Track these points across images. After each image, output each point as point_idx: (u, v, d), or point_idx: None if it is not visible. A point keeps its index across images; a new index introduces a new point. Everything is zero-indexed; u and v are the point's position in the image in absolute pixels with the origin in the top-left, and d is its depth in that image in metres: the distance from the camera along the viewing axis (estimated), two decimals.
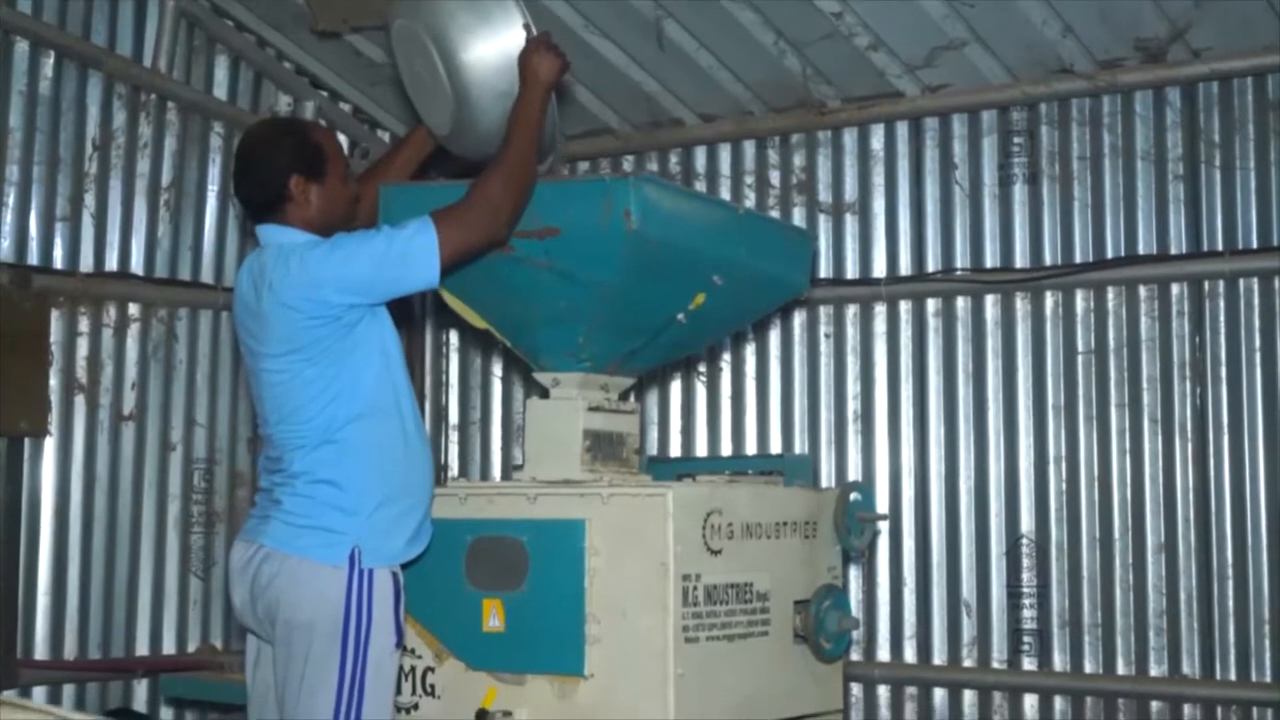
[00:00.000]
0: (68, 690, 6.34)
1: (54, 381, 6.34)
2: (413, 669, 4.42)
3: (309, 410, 4.04)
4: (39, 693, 6.21)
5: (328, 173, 4.16)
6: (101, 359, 6.49)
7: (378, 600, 4.01)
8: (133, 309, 6.59)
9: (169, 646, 6.60)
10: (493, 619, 4.31)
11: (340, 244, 4.01)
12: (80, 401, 6.42)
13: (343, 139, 7.15)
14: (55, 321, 6.35)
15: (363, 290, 4.00)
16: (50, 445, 6.33)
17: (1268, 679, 5.77)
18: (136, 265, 6.62)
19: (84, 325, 6.44)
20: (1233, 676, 5.83)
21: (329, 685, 3.95)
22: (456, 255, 4.02)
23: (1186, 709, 5.88)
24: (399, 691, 4.23)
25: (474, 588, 4.34)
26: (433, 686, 4.42)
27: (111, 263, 6.55)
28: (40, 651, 6.24)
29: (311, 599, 3.99)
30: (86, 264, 6.47)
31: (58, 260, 6.39)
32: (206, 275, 6.84)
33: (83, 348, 6.44)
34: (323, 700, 3.94)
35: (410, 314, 7.19)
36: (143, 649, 6.54)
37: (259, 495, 4.25)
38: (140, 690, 6.54)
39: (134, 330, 6.59)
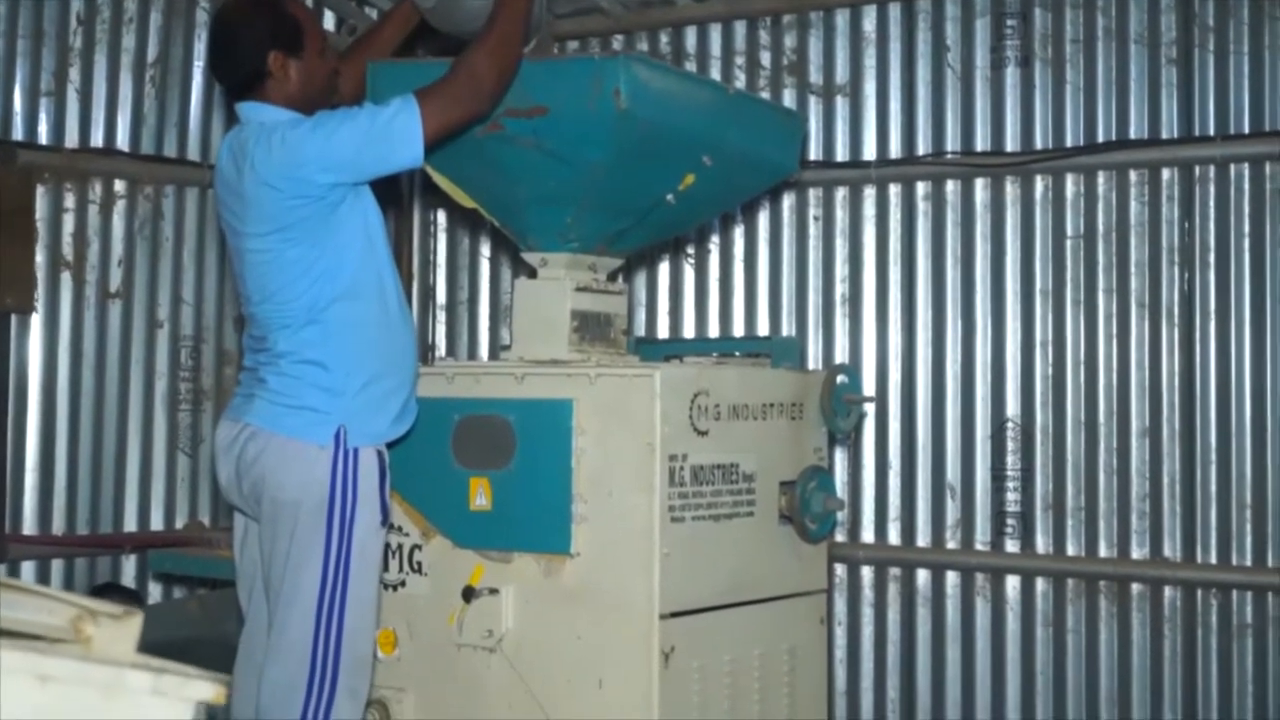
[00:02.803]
0: (56, 565, 6.38)
1: (40, 258, 6.32)
2: (400, 546, 4.45)
3: (292, 290, 4.03)
4: (27, 568, 6.25)
5: (305, 47, 4.13)
6: (88, 235, 6.46)
7: (363, 479, 4.03)
8: (118, 185, 6.56)
9: (157, 523, 6.64)
10: (479, 497, 4.33)
11: (322, 122, 3.98)
12: (67, 278, 6.41)
13: (330, 15, 7.08)
14: (41, 198, 6.33)
15: (346, 169, 3.97)
16: (36, 322, 6.33)
17: (1248, 562, 5.83)
18: (122, 141, 6.58)
19: (70, 201, 6.41)
20: (1213, 560, 5.88)
21: (315, 563, 3.98)
22: (440, 131, 4.00)
23: (1167, 591, 5.93)
24: (386, 569, 4.27)
25: (461, 466, 4.36)
26: (420, 564, 4.45)
27: (97, 139, 6.51)
28: (28, 527, 6.28)
29: (297, 478, 4.00)
30: (72, 140, 6.43)
31: (43, 136, 6.35)
32: (192, 152, 6.80)
33: (69, 224, 6.41)
34: (309, 577, 3.98)
35: (398, 194, 7.17)
36: (131, 525, 6.57)
37: (243, 374, 4.25)
38: (129, 566, 6.59)
39: (120, 207, 6.56)
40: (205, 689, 1.83)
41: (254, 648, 4.18)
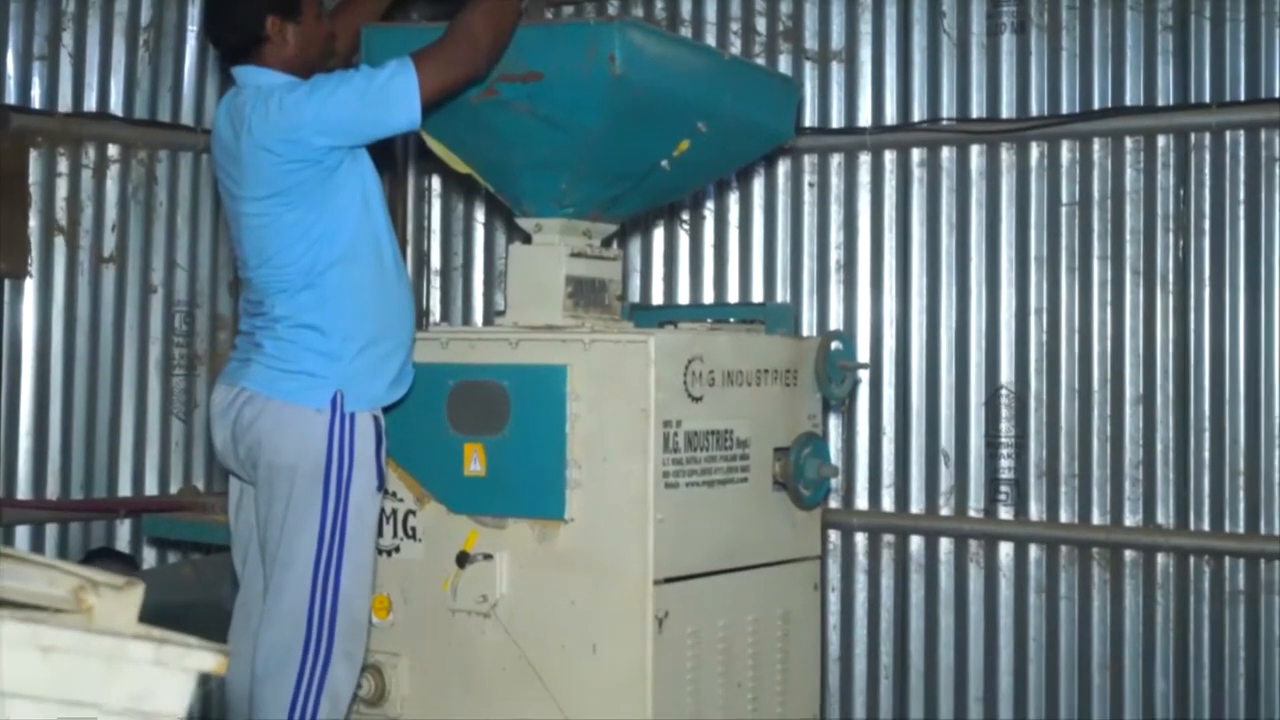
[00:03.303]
0: (50, 530, 6.38)
1: (34, 223, 6.31)
2: (394, 512, 4.46)
3: (290, 254, 4.04)
4: (22, 532, 6.25)
5: (302, 11, 4.13)
6: (81, 200, 6.45)
7: (359, 444, 4.04)
8: (112, 150, 6.54)
9: (151, 488, 6.64)
10: (474, 463, 4.33)
11: (319, 85, 3.98)
12: (60, 243, 6.39)
13: None
14: (34, 162, 6.31)
15: (342, 132, 3.97)
16: (30, 287, 6.31)
17: (1240, 529, 5.84)
18: (115, 106, 6.56)
19: (63, 166, 6.40)
20: (1206, 527, 5.89)
21: (311, 527, 3.99)
22: (437, 93, 4.00)
23: (1160, 558, 5.94)
24: (380, 534, 4.27)
25: (455, 432, 4.37)
26: (414, 529, 4.45)
27: (90, 103, 6.49)
28: (23, 491, 6.28)
29: (294, 442, 4.01)
30: (65, 104, 6.41)
31: (36, 100, 6.34)
32: (186, 117, 6.77)
33: (62, 189, 6.40)
34: (304, 542, 3.99)
35: (392, 159, 7.15)
36: (125, 490, 6.57)
37: (239, 338, 4.26)
38: (123, 531, 6.58)
39: (113, 171, 6.55)
40: (207, 659, 1.84)
41: (249, 612, 4.19)
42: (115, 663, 1.80)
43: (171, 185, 6.73)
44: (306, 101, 3.93)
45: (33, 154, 6.29)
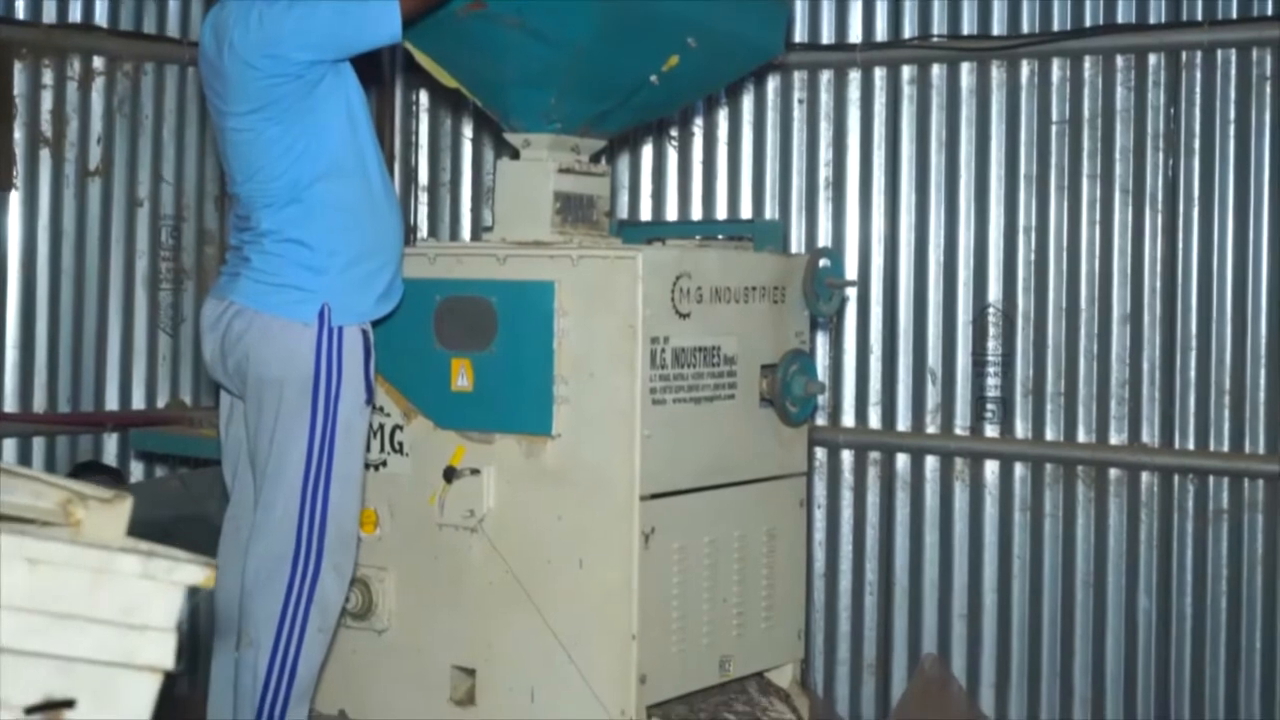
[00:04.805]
0: (37, 443, 6.39)
1: (18, 135, 6.27)
2: (381, 427, 4.46)
3: (274, 169, 4.03)
4: (9, 445, 6.26)
5: None
6: (66, 113, 6.41)
7: (348, 357, 4.04)
8: (97, 62, 6.50)
9: (138, 402, 6.64)
10: (461, 378, 4.33)
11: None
12: (45, 155, 6.36)
13: None
14: (19, 74, 6.27)
15: (323, 46, 3.95)
16: (15, 199, 6.29)
17: (1225, 448, 5.86)
18: (100, 17, 6.51)
19: (48, 78, 6.35)
20: (1191, 445, 5.92)
21: (300, 440, 4.00)
22: (418, 8, 3.98)
23: (1144, 476, 5.97)
24: (368, 448, 4.28)
25: (442, 347, 4.37)
26: (401, 444, 4.46)
27: (75, 14, 6.43)
28: (9, 405, 6.28)
29: (282, 355, 4.02)
30: (50, 15, 6.36)
31: (20, 11, 6.28)
32: (172, 29, 6.72)
33: (47, 101, 6.36)
34: (294, 455, 4.00)
35: (380, 73, 7.10)
36: (112, 404, 6.57)
37: (229, 253, 4.26)
38: (110, 444, 6.59)
39: (99, 84, 6.50)
40: (195, 573, 1.84)
41: (240, 524, 4.21)
42: (103, 575, 1.80)
43: (157, 98, 6.69)
44: (287, 15, 3.91)
45: (17, 66, 6.25)
